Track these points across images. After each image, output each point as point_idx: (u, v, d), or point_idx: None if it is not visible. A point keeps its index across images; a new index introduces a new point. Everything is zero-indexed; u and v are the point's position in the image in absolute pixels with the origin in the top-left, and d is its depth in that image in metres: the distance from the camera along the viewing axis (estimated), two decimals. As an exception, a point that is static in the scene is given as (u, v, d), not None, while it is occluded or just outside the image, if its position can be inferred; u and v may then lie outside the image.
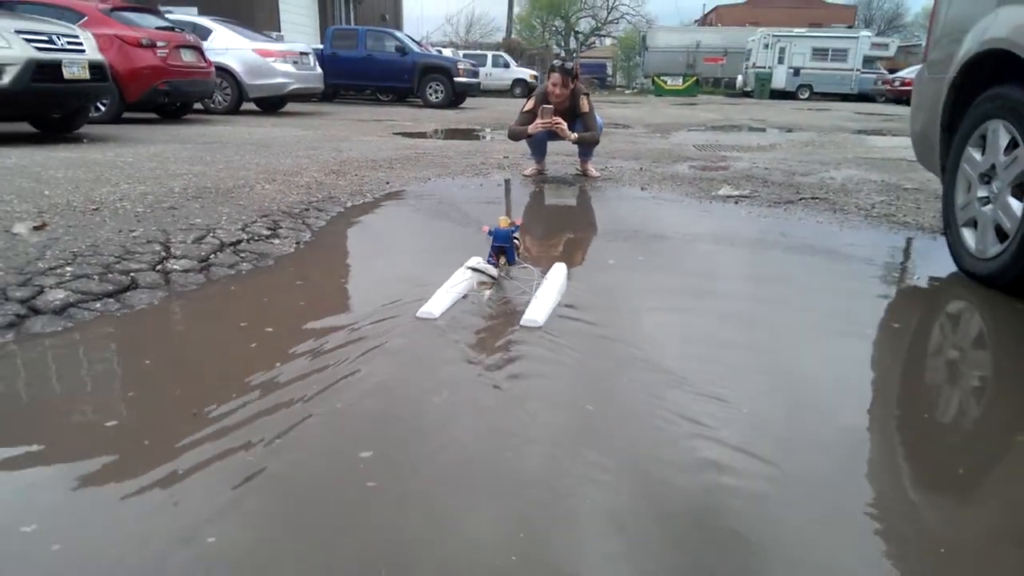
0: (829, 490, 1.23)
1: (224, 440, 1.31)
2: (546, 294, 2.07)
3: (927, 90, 2.98)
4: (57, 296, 1.98)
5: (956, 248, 2.66)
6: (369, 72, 14.05)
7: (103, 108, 7.13)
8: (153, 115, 8.42)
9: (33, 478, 1.21)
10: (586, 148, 4.76)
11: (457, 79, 13.85)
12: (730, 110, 16.20)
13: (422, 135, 8.08)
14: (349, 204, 3.67)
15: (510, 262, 2.33)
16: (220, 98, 9.73)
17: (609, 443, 1.34)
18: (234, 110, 9.88)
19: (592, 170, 4.88)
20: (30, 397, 1.51)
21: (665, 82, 28.14)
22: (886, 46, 28.50)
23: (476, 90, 15.65)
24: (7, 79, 4.93)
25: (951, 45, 2.73)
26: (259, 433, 1.33)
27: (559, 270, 2.30)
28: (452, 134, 8.48)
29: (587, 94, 4.61)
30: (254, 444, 1.29)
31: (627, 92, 34.73)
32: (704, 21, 46.24)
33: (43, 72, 5.13)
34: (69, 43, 5.44)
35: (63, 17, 6.23)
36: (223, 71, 9.38)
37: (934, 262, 2.82)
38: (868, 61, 26.85)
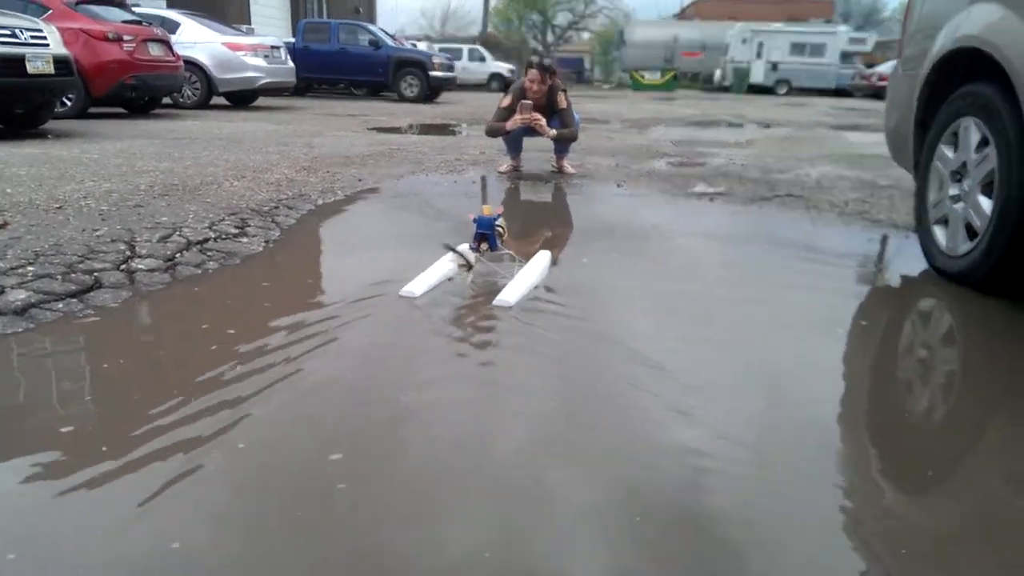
0: (800, 484, 1.22)
1: (164, 438, 1.30)
2: (523, 278, 2.21)
3: (901, 87, 2.99)
4: (18, 296, 1.94)
5: (928, 246, 2.67)
6: (342, 66, 13.93)
7: (69, 103, 7.00)
8: (120, 110, 8.24)
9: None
10: (563, 145, 4.73)
11: (432, 73, 13.77)
12: (708, 105, 16.25)
13: (396, 130, 7.99)
14: (320, 202, 3.60)
15: (492, 248, 2.39)
16: (189, 93, 9.55)
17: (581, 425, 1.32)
18: (204, 105, 9.70)
19: (568, 167, 4.86)
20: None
21: (643, 76, 28.03)
22: (864, 41, 28.64)
23: (452, 84, 15.54)
24: (-33, 74, 4.79)
25: (925, 41, 2.73)
26: (199, 431, 1.33)
27: (542, 257, 2.43)
28: (427, 129, 8.40)
29: (565, 90, 4.57)
30: (197, 444, 1.28)
31: (605, 87, 34.71)
32: (682, 15, 46.34)
33: (6, 67, 5.00)
34: (33, 37, 5.31)
35: (27, 11, 6.12)
36: (192, 65, 9.23)
37: (906, 260, 2.83)
38: (846, 56, 26.99)
